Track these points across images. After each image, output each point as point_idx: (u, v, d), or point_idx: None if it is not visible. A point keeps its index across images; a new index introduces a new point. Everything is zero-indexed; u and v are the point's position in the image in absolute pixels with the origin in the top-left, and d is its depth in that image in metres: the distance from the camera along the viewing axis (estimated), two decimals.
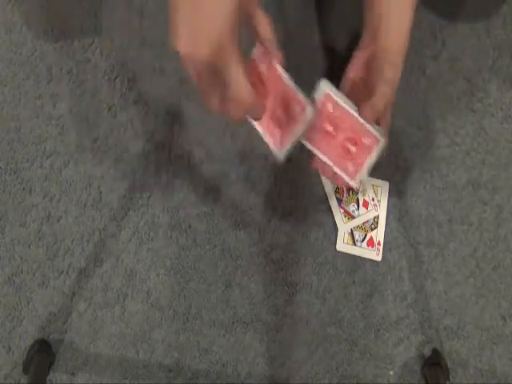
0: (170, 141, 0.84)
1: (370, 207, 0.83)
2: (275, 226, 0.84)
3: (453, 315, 0.83)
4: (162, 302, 0.83)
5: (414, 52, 0.85)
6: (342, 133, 0.63)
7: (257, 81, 0.61)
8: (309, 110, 0.58)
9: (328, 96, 0.62)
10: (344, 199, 0.83)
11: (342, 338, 0.83)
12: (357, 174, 0.63)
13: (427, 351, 0.83)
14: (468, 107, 0.84)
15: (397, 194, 0.83)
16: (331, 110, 0.63)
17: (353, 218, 0.83)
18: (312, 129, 0.63)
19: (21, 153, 0.84)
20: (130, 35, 0.85)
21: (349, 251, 0.83)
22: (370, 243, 0.83)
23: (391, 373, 0.83)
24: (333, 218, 0.83)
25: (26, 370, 0.81)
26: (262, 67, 0.60)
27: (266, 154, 0.84)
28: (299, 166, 0.84)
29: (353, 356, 0.84)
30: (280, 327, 0.83)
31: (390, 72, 0.59)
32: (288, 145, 0.62)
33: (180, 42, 0.46)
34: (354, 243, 0.83)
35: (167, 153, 0.84)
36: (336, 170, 0.64)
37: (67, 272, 0.83)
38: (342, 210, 0.83)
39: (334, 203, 0.83)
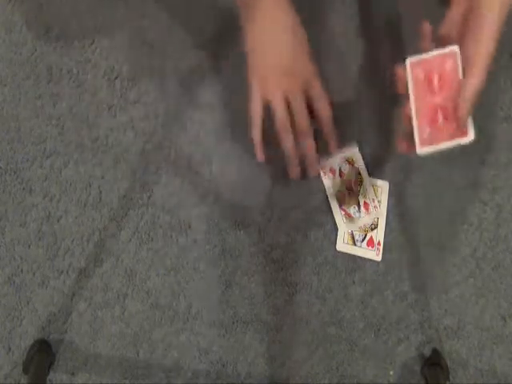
0: (169, 141, 0.84)
1: (370, 209, 0.83)
2: (275, 226, 0.84)
3: (453, 315, 0.83)
4: (162, 302, 0.83)
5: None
6: (442, 96, 0.60)
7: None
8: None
9: (453, 54, 0.59)
10: (345, 201, 0.83)
11: (342, 338, 0.83)
12: (427, 146, 0.60)
13: (427, 351, 0.83)
14: None
15: (397, 194, 0.83)
16: (447, 68, 0.60)
17: (353, 219, 0.83)
18: (422, 67, 0.61)
19: (21, 153, 0.84)
20: (130, 35, 0.85)
21: (349, 251, 0.83)
22: (370, 243, 0.83)
23: (391, 373, 0.83)
24: (333, 217, 0.83)
25: (25, 370, 0.81)
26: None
27: (266, 153, 0.84)
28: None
29: (353, 356, 0.83)
30: (280, 327, 0.83)
31: (486, 34, 0.56)
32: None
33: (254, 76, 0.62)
34: (354, 243, 0.83)
35: (167, 153, 0.84)
36: (414, 125, 0.60)
37: (67, 272, 0.83)
38: (343, 212, 0.83)
39: (334, 204, 0.83)
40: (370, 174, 0.83)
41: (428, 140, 0.60)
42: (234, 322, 0.83)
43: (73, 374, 0.83)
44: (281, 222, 0.84)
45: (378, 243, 0.83)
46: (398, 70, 0.63)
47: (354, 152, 0.83)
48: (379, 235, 0.83)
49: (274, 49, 0.61)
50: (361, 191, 0.83)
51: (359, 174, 0.83)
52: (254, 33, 0.62)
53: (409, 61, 0.62)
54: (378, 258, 0.83)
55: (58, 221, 0.83)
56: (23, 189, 0.83)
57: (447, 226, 0.84)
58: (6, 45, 0.85)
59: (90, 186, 0.84)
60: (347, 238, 0.83)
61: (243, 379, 0.83)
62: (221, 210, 0.84)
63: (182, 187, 0.84)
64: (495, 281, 0.84)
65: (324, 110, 0.70)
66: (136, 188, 0.84)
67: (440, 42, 0.62)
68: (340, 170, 0.83)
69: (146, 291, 0.83)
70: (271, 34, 0.61)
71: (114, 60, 0.85)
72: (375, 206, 0.83)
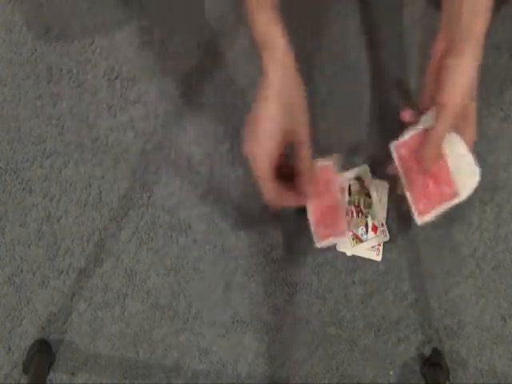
0: (169, 141, 0.84)
1: (378, 232, 0.83)
2: (275, 226, 0.84)
3: (453, 315, 0.83)
4: (162, 302, 0.83)
5: (412, 51, 0.85)
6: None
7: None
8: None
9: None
10: (352, 221, 0.83)
11: (342, 338, 0.83)
12: (424, 216, 0.63)
13: (427, 351, 0.83)
14: None
15: (397, 194, 0.83)
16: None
17: (361, 241, 0.83)
18: (405, 147, 0.64)
19: (21, 153, 0.84)
20: (130, 35, 0.85)
21: (362, 249, 0.83)
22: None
23: (391, 373, 0.83)
24: None
25: (26, 370, 0.81)
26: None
27: None
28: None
29: (353, 356, 0.83)
30: (280, 327, 0.83)
31: (460, 78, 0.58)
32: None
33: (245, 148, 0.64)
34: (361, 240, 0.83)
35: (167, 153, 0.84)
36: (408, 198, 0.64)
37: (67, 272, 0.83)
38: (350, 233, 0.83)
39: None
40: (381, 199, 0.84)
41: (424, 211, 0.63)
42: (233, 322, 0.83)
43: (73, 373, 0.83)
44: (281, 222, 0.84)
45: (378, 244, 0.83)
46: (389, 168, 0.68)
47: (364, 170, 0.83)
48: (379, 219, 0.83)
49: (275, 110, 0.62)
50: (370, 213, 0.83)
51: (369, 195, 0.83)
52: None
53: (392, 145, 0.66)
54: (378, 258, 0.83)
55: (58, 221, 0.83)
56: (23, 189, 0.83)
57: (447, 225, 0.84)
58: (6, 45, 0.85)
59: (90, 186, 0.84)
60: (353, 242, 0.83)
61: (243, 379, 0.83)
62: (221, 210, 0.84)
63: (182, 187, 0.84)
64: (495, 281, 0.84)
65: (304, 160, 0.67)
66: (136, 188, 0.84)
67: (425, 108, 0.64)
68: (350, 188, 0.83)
69: (145, 291, 0.83)
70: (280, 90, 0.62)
71: (114, 60, 0.85)
72: (383, 231, 0.83)
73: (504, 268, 0.83)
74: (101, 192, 0.84)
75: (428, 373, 0.81)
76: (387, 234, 0.83)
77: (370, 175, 0.83)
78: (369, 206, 0.83)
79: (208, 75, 0.84)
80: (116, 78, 0.85)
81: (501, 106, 0.84)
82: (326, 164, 0.71)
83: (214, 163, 0.84)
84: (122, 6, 0.85)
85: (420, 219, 0.64)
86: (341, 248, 0.83)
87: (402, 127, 0.67)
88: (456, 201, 0.62)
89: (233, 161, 0.84)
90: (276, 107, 0.61)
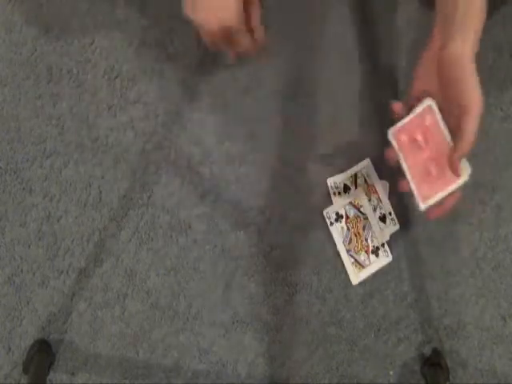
0: (169, 141, 0.84)
1: (380, 254, 0.83)
2: (275, 226, 0.84)
3: (453, 315, 0.83)
4: (162, 302, 0.83)
5: (414, 52, 0.85)
6: (429, 149, 0.62)
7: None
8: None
9: (430, 109, 0.61)
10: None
11: (342, 338, 0.83)
12: (428, 200, 0.62)
13: (427, 351, 0.83)
14: None
15: (397, 194, 0.83)
16: (427, 123, 0.62)
17: (363, 267, 0.83)
18: (403, 132, 0.63)
19: (21, 153, 0.84)
20: (130, 35, 0.85)
21: (365, 275, 0.83)
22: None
23: (391, 373, 0.83)
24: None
25: (26, 370, 0.81)
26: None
27: (266, 154, 0.84)
28: (299, 166, 0.84)
29: (353, 356, 0.83)
30: (280, 327, 0.83)
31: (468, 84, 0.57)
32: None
33: (196, 16, 0.62)
34: (363, 266, 0.83)
35: (167, 153, 0.84)
36: (411, 185, 0.63)
37: (67, 272, 0.83)
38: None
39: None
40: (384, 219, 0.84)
41: (427, 195, 0.62)
42: (233, 322, 0.83)
43: (73, 373, 0.83)
44: (281, 222, 0.84)
45: (382, 245, 0.83)
46: (387, 153, 0.66)
47: (366, 165, 0.83)
48: (379, 240, 0.83)
49: None
50: (370, 236, 0.83)
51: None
52: None
53: (390, 132, 0.64)
54: (390, 258, 0.83)
55: (58, 221, 0.83)
56: (23, 189, 0.83)
57: (447, 225, 0.84)
58: (6, 45, 0.85)
59: (90, 186, 0.84)
60: (355, 268, 0.83)
61: (243, 379, 0.83)
62: (221, 210, 0.84)
63: (182, 187, 0.84)
64: (495, 281, 0.84)
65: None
66: (136, 188, 0.84)
67: (416, 99, 0.63)
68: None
69: (146, 291, 0.83)
70: None
71: (114, 60, 0.85)
72: (385, 251, 0.83)
73: (504, 268, 0.83)
74: (101, 192, 0.84)
75: (428, 373, 0.81)
76: (389, 255, 0.83)
77: (373, 170, 0.83)
78: (364, 227, 0.83)
79: (208, 75, 0.84)
80: (116, 77, 0.85)
81: (501, 105, 0.84)
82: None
83: (213, 163, 0.84)
84: (122, 6, 0.85)
85: (423, 204, 0.62)
86: (357, 280, 0.83)
87: (393, 123, 0.66)
88: (456, 184, 0.61)
89: (233, 161, 0.84)
90: None
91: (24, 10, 0.85)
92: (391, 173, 0.83)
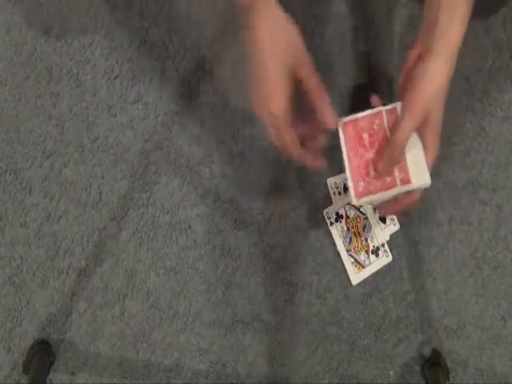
0: (169, 141, 0.84)
1: (380, 254, 0.83)
2: (275, 226, 0.84)
3: (453, 315, 0.83)
4: (162, 302, 0.83)
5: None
6: (372, 152, 0.62)
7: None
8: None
9: (380, 114, 0.62)
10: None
11: (342, 338, 0.83)
12: (362, 198, 0.62)
13: (427, 351, 0.83)
14: (468, 107, 0.84)
15: None
16: (375, 127, 0.62)
17: (363, 267, 0.83)
18: (353, 126, 0.63)
19: (21, 153, 0.84)
20: (130, 35, 0.85)
21: (365, 275, 0.83)
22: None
23: (391, 373, 0.83)
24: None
25: (25, 370, 0.81)
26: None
27: (266, 154, 0.84)
28: (299, 166, 0.84)
29: (353, 356, 0.83)
30: (280, 327, 0.83)
31: (431, 81, 0.57)
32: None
33: (255, 108, 0.63)
34: (363, 266, 0.83)
35: (167, 153, 0.84)
36: (348, 177, 0.63)
37: (67, 272, 0.83)
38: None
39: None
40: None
41: (362, 192, 0.62)
42: (233, 322, 0.83)
43: (73, 373, 0.83)
44: (281, 222, 0.84)
45: (382, 245, 0.83)
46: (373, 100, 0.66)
47: None
48: (379, 240, 0.83)
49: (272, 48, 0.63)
50: (370, 236, 0.83)
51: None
52: (252, 36, 0.64)
53: (341, 122, 0.64)
54: (390, 259, 0.83)
55: (58, 221, 0.83)
56: (23, 189, 0.83)
57: (447, 225, 0.84)
58: (6, 45, 0.85)
59: (90, 186, 0.84)
60: (355, 268, 0.83)
61: (243, 379, 0.83)
62: (221, 210, 0.84)
63: (182, 187, 0.84)
64: (495, 281, 0.84)
65: (313, 78, 0.66)
66: (136, 188, 0.84)
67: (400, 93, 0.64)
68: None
69: (146, 291, 0.83)
70: (268, 36, 0.63)
71: (114, 60, 0.85)
72: (385, 251, 0.83)
73: (504, 268, 0.83)
74: (101, 192, 0.84)
75: (428, 373, 0.81)
76: (389, 255, 0.83)
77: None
78: (364, 227, 0.83)
79: (208, 75, 0.84)
80: (116, 77, 0.85)
81: (501, 105, 0.84)
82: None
83: (213, 163, 0.84)
84: (122, 5, 0.85)
85: (356, 199, 0.62)
86: (357, 280, 0.83)
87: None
88: (404, 189, 0.61)
89: (233, 161, 0.84)
90: (271, 60, 0.62)
91: (24, 10, 0.85)
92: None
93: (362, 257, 0.83)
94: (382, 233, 0.83)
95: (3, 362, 0.82)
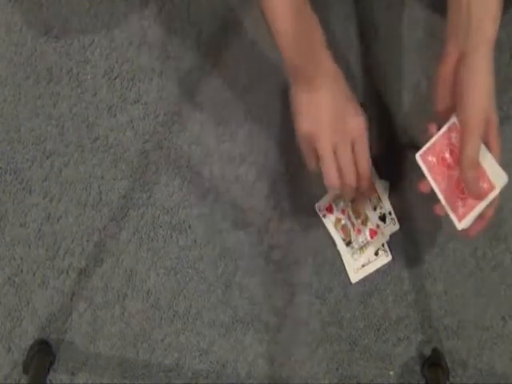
0: (169, 141, 0.84)
1: (380, 253, 0.83)
2: (275, 226, 0.84)
3: (453, 315, 0.83)
4: (162, 302, 0.83)
5: (414, 52, 0.85)
6: (459, 166, 0.61)
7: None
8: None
9: (455, 126, 0.61)
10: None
11: (342, 338, 0.83)
12: (465, 217, 0.61)
13: (427, 351, 0.83)
14: None
15: (397, 193, 0.83)
16: (454, 140, 0.61)
17: (362, 266, 0.83)
18: (430, 153, 0.63)
19: (21, 153, 0.84)
20: (130, 35, 0.85)
21: (365, 274, 0.83)
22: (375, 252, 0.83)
23: (391, 373, 0.83)
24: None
25: (25, 370, 0.81)
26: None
27: (266, 154, 0.84)
28: (299, 165, 0.84)
29: (353, 356, 0.83)
30: (280, 327, 0.83)
31: (478, 80, 0.57)
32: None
33: (301, 134, 0.68)
34: (363, 264, 0.83)
35: (167, 153, 0.84)
36: (445, 207, 0.62)
37: (67, 272, 0.83)
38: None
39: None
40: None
41: (463, 214, 0.61)
42: (233, 322, 0.83)
43: (73, 373, 0.83)
44: (281, 222, 0.84)
45: (382, 244, 0.83)
46: (421, 185, 0.65)
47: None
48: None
49: (326, 113, 0.66)
50: (364, 219, 0.83)
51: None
52: (304, 99, 0.66)
53: (418, 155, 0.64)
54: (390, 258, 0.83)
55: (58, 221, 0.83)
56: (23, 189, 0.83)
57: (447, 225, 0.83)
58: (6, 45, 0.85)
59: (90, 186, 0.84)
60: (355, 268, 0.83)
61: (243, 379, 0.83)
62: (221, 210, 0.84)
63: (182, 187, 0.84)
64: (495, 281, 0.84)
65: (363, 168, 0.70)
66: (136, 188, 0.84)
67: (442, 117, 0.63)
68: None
69: (146, 291, 0.83)
70: (323, 101, 0.66)
71: (114, 60, 0.85)
72: (385, 250, 0.83)
73: (504, 268, 0.83)
74: (101, 192, 0.84)
75: (428, 373, 0.81)
76: (386, 235, 0.83)
77: (373, 169, 0.83)
78: (362, 216, 0.83)
79: (208, 75, 0.84)
80: (116, 77, 0.85)
81: (501, 106, 0.84)
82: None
83: (213, 163, 0.84)
84: (122, 5, 0.85)
85: (461, 224, 0.61)
86: (356, 278, 0.83)
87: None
88: (492, 195, 0.60)
89: (233, 161, 0.84)
90: (330, 112, 0.66)
91: (24, 10, 0.85)
92: (391, 172, 0.83)
93: (362, 256, 0.83)
94: (382, 233, 0.83)
95: (3, 362, 0.82)
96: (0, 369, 0.82)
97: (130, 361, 0.83)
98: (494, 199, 0.61)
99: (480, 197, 0.60)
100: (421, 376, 0.83)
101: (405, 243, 0.84)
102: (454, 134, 0.61)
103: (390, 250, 0.83)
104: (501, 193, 0.83)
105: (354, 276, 0.83)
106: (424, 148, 0.63)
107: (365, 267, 0.83)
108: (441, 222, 0.84)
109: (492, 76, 0.56)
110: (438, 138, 0.63)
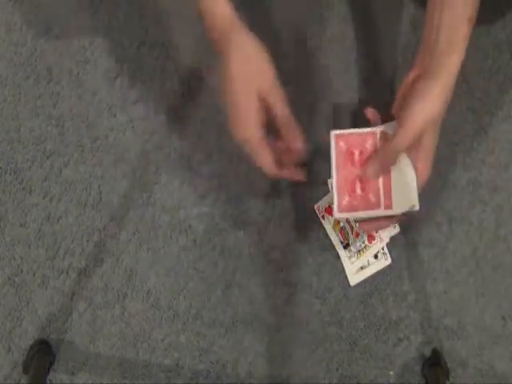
0: (169, 141, 0.84)
1: (379, 256, 0.83)
2: (275, 226, 0.84)
3: (453, 315, 0.83)
4: (162, 302, 0.83)
5: (413, 53, 0.85)
6: (361, 169, 0.62)
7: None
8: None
9: (375, 135, 0.62)
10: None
11: (342, 338, 0.83)
12: (344, 213, 0.62)
13: (427, 351, 0.83)
14: (468, 107, 0.84)
15: None
16: (367, 145, 0.62)
17: (361, 268, 0.83)
18: (344, 140, 0.63)
19: (21, 153, 0.84)
20: (130, 35, 0.85)
21: (363, 277, 0.83)
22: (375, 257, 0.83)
23: (391, 373, 0.83)
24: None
25: (25, 370, 0.81)
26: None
27: None
28: (299, 166, 0.84)
29: (353, 356, 0.83)
30: (280, 327, 0.83)
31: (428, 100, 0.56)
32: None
33: (232, 134, 0.67)
34: (362, 267, 0.83)
35: (167, 153, 0.84)
36: (334, 189, 0.63)
37: (67, 272, 0.83)
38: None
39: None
40: None
41: (346, 207, 0.62)
42: (233, 322, 0.83)
43: (73, 373, 0.83)
44: (281, 222, 0.84)
45: (382, 248, 0.83)
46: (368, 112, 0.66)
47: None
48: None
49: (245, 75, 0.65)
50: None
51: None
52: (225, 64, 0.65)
53: (333, 133, 0.64)
54: (389, 261, 0.83)
55: (58, 221, 0.83)
56: (23, 189, 0.83)
57: (447, 226, 0.84)
58: (6, 45, 0.85)
59: (90, 186, 0.84)
60: (354, 271, 0.83)
61: (243, 379, 0.83)
62: (221, 210, 0.84)
63: (182, 187, 0.84)
64: (495, 281, 0.84)
65: (279, 104, 0.68)
66: (136, 188, 0.84)
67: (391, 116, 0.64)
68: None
69: (146, 291, 0.83)
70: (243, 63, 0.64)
71: (114, 60, 0.85)
72: (384, 253, 0.83)
73: (504, 268, 0.83)
74: (101, 192, 0.84)
75: (428, 373, 0.81)
76: (384, 241, 0.83)
77: None
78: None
79: (208, 75, 0.84)
80: (116, 78, 0.85)
81: (501, 105, 0.84)
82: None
83: (213, 163, 0.84)
84: (123, 5, 0.85)
85: (338, 213, 0.63)
86: (356, 281, 0.83)
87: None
88: (382, 213, 0.61)
89: (233, 160, 0.84)
90: (242, 91, 0.64)
91: (24, 10, 0.85)
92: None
93: (361, 258, 0.83)
94: (381, 235, 0.83)
95: (3, 362, 0.82)
96: (0, 369, 0.82)
97: (130, 361, 0.83)
98: (392, 216, 0.62)
99: (371, 206, 0.62)
100: (421, 376, 0.83)
101: (405, 243, 0.84)
102: (370, 141, 0.62)
103: (390, 252, 0.83)
104: (501, 193, 0.84)
105: (353, 278, 0.83)
106: (343, 131, 0.64)
107: (363, 270, 0.83)
108: (441, 223, 0.84)
109: (445, 106, 0.56)
110: (357, 134, 0.63)
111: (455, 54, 0.57)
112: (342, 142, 0.64)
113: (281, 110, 0.66)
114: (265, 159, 0.66)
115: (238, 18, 0.65)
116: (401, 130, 0.57)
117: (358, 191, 0.62)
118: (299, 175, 0.71)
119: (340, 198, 0.63)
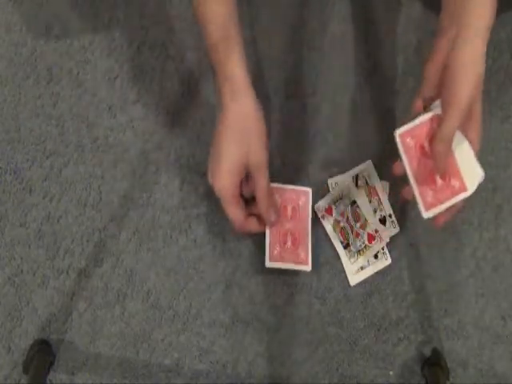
0: (169, 141, 0.84)
1: (379, 256, 0.83)
2: None
3: (453, 315, 0.83)
4: (162, 302, 0.83)
5: (414, 52, 0.85)
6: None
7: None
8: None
9: (437, 116, 0.60)
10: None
11: (342, 338, 0.83)
12: (432, 209, 0.60)
13: (427, 351, 0.83)
14: None
15: (397, 194, 0.83)
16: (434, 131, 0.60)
17: (361, 268, 0.83)
18: (410, 136, 0.62)
19: (21, 153, 0.84)
20: (130, 35, 0.85)
21: (363, 277, 0.83)
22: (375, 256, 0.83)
23: (391, 373, 0.83)
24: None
25: (25, 370, 0.81)
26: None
27: None
28: (299, 166, 0.84)
29: (353, 356, 0.83)
30: (280, 327, 0.83)
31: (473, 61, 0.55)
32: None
33: (208, 175, 0.69)
34: (362, 267, 0.83)
35: (167, 153, 0.84)
36: (415, 191, 0.61)
37: (67, 272, 0.83)
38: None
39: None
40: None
41: (431, 204, 0.61)
42: (233, 322, 0.83)
43: (73, 373, 0.83)
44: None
45: (382, 248, 0.83)
46: (396, 166, 0.65)
47: (367, 167, 0.83)
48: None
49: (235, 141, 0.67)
50: (363, 223, 0.83)
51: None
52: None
53: (397, 132, 0.63)
54: (389, 261, 0.83)
55: (58, 221, 0.83)
56: (23, 189, 0.83)
57: (447, 225, 0.83)
58: (6, 45, 0.85)
59: (90, 186, 0.84)
60: (354, 271, 0.83)
61: (243, 379, 0.83)
62: (221, 210, 0.84)
63: (182, 187, 0.84)
64: (495, 281, 0.84)
65: (263, 187, 0.71)
66: (136, 188, 0.84)
67: (429, 100, 0.63)
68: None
69: (146, 291, 0.83)
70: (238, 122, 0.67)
71: (114, 60, 0.85)
72: (384, 253, 0.82)
73: (504, 268, 0.84)
74: (101, 192, 0.84)
75: (428, 373, 0.81)
76: (383, 241, 0.82)
77: (374, 171, 0.83)
78: (359, 219, 0.83)
79: (208, 75, 0.84)
80: (116, 77, 0.85)
81: (501, 105, 0.84)
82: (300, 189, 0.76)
83: None
84: (122, 5, 0.85)
85: (427, 213, 0.61)
86: (356, 281, 0.83)
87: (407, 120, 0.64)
88: (463, 195, 0.60)
89: None
90: (232, 142, 0.66)
91: (24, 10, 0.85)
92: (391, 173, 0.83)
93: (361, 259, 0.83)
94: (381, 235, 0.83)
95: (3, 362, 0.82)
96: (0, 369, 0.82)
97: (130, 361, 0.83)
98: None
99: (444, 176, 0.60)
100: (421, 376, 0.83)
101: (405, 243, 0.84)
102: (435, 125, 0.60)
103: (390, 252, 0.83)
104: (500, 193, 0.84)
105: (353, 278, 0.83)
106: (405, 127, 0.62)
107: (363, 270, 0.83)
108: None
109: (483, 69, 0.55)
110: (420, 123, 0.62)
111: (485, 18, 0.55)
112: (408, 138, 0.62)
113: (263, 187, 0.69)
114: (235, 215, 0.69)
115: (249, 77, 0.66)
116: (450, 108, 0.56)
117: (440, 182, 0.60)
118: (263, 227, 0.76)
119: (424, 197, 0.61)
